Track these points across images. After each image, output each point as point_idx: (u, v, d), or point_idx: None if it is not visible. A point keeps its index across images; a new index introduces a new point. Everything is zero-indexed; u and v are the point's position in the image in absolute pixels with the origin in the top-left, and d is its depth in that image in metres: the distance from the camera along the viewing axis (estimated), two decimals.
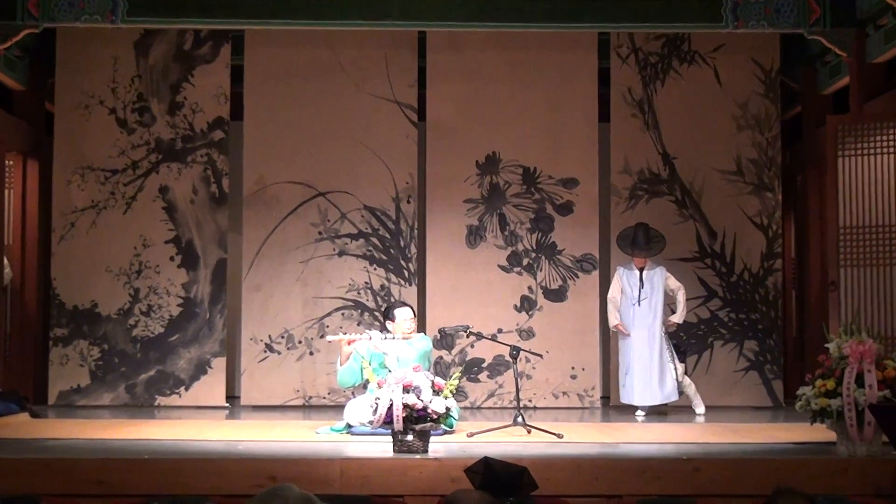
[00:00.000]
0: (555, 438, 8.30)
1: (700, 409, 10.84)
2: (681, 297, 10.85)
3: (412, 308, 9.37)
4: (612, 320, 10.92)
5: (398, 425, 7.35)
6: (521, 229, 11.86)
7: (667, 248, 11.41)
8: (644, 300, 10.77)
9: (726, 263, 11.90)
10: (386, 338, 8.91)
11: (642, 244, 10.84)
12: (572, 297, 11.80)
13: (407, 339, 8.94)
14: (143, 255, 11.75)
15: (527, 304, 11.81)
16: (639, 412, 10.71)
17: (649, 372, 10.66)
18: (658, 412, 10.82)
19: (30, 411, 10.14)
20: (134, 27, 11.29)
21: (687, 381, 10.89)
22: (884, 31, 10.26)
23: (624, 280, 10.87)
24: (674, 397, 10.73)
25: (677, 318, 10.87)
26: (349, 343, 8.94)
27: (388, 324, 9.15)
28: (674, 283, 10.87)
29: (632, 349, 10.75)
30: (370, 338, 8.89)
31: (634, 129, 11.99)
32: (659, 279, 10.82)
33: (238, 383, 11.97)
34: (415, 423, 7.38)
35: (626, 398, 10.82)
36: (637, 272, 10.86)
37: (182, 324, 11.74)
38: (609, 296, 11.02)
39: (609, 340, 11.68)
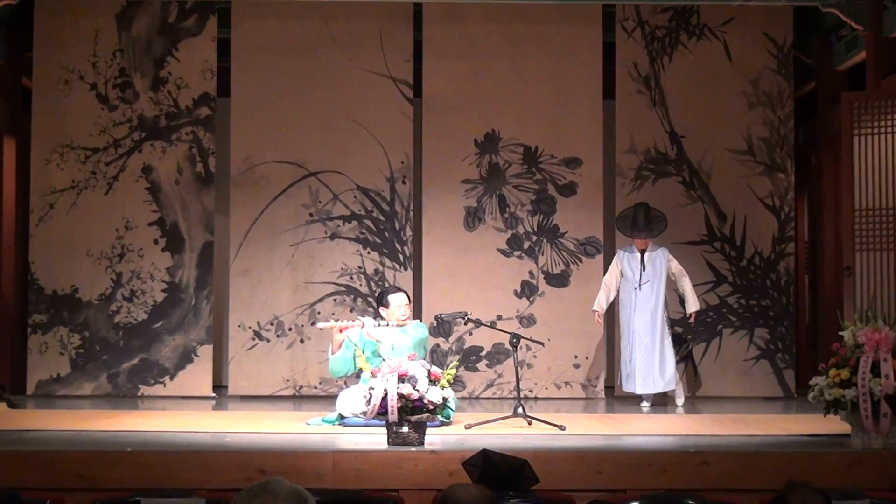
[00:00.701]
0: (557, 430, 8.32)
1: (680, 400, 10.84)
2: (686, 285, 10.84)
3: (407, 294, 9.37)
4: (595, 304, 10.93)
5: (393, 416, 7.36)
6: (521, 211, 11.86)
7: (674, 232, 11.42)
8: (646, 283, 10.77)
9: (736, 247, 11.91)
10: (379, 325, 8.91)
11: (643, 225, 10.84)
12: (575, 282, 11.81)
13: (401, 326, 8.94)
14: (126, 237, 11.74)
15: (528, 290, 11.81)
16: (644, 403, 10.73)
17: (651, 358, 10.67)
18: (663, 403, 10.84)
19: (7, 401, 10.16)
20: None
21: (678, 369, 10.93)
22: None
23: (625, 263, 10.87)
24: (673, 385, 10.76)
25: (693, 306, 10.86)
26: (341, 330, 8.95)
27: (382, 310, 9.15)
28: (676, 266, 10.86)
29: (634, 334, 10.76)
30: (363, 325, 8.90)
31: (640, 106, 11.98)
32: (661, 261, 10.82)
33: (225, 372, 11.98)
34: (410, 414, 7.39)
35: (627, 387, 10.82)
36: (638, 254, 10.86)
37: (167, 310, 11.74)
38: (604, 279, 11.04)
39: (614, 328, 11.69)
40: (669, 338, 10.79)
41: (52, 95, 11.79)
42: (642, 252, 10.85)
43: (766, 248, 11.91)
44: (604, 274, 11.43)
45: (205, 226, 11.82)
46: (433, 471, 6.76)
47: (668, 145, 11.96)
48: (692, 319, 11.00)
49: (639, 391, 10.74)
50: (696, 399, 11.44)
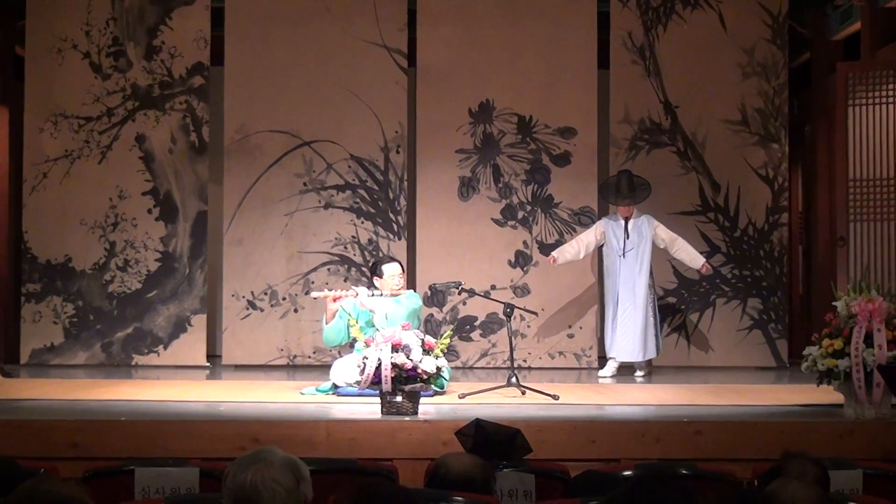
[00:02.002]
0: (550, 400, 8.33)
1: (642, 370, 10.82)
2: (682, 245, 10.77)
3: (401, 263, 9.35)
4: (557, 251, 10.90)
5: (386, 386, 7.35)
6: (515, 181, 11.84)
7: (668, 202, 11.42)
8: (630, 251, 10.73)
9: (730, 217, 11.90)
10: (373, 294, 8.90)
11: (626, 192, 10.80)
12: None
13: (395, 295, 8.93)
14: (120, 207, 11.71)
15: (522, 260, 11.80)
16: (638, 372, 10.74)
17: (634, 326, 10.64)
18: (657, 373, 10.86)
19: (1, 371, 10.15)
20: None
21: None
22: None
23: (609, 231, 10.83)
24: (653, 354, 10.75)
25: (699, 258, 10.75)
26: (335, 300, 8.94)
27: (376, 280, 9.14)
28: (665, 232, 10.80)
29: (618, 302, 10.74)
30: (357, 294, 8.89)
31: (635, 76, 11.94)
32: (646, 229, 10.78)
33: (219, 342, 11.98)
34: (404, 384, 7.39)
35: (612, 355, 10.81)
36: (622, 222, 10.83)
37: (160, 279, 11.72)
38: (581, 235, 11.05)
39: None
40: (655, 306, 10.78)
41: (45, 64, 11.73)
42: (626, 219, 10.82)
43: (759, 219, 11.90)
44: None
45: (198, 195, 11.78)
46: (427, 440, 6.77)
47: (662, 115, 11.93)
48: (705, 270, 10.87)
49: (621, 358, 10.73)
50: (690, 369, 11.45)
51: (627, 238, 10.76)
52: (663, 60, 11.93)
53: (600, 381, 10.53)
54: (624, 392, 9.38)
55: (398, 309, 8.74)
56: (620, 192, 10.82)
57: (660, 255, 11.08)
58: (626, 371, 10.87)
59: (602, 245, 11.01)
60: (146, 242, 11.71)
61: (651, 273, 10.80)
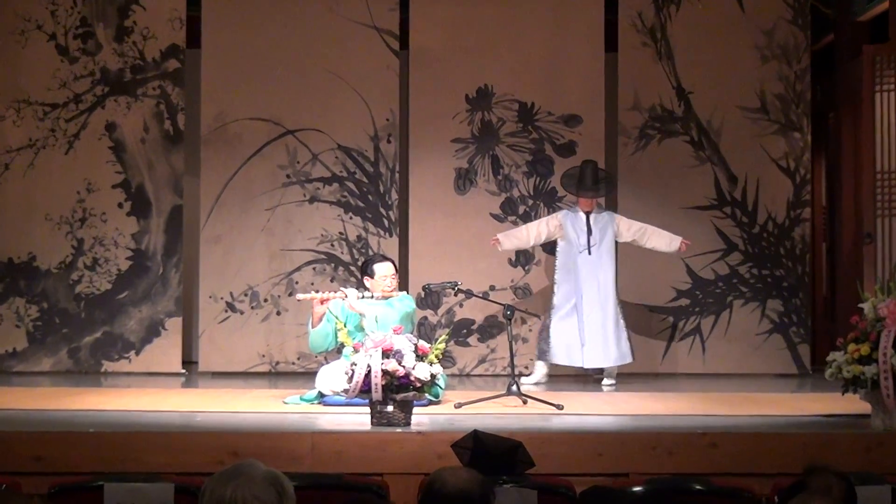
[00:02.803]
0: (554, 409, 8.35)
1: (611, 378, 10.76)
2: (652, 231, 10.68)
3: (394, 262, 9.35)
4: (502, 234, 10.87)
5: (377, 394, 7.36)
6: (516, 173, 11.85)
7: (681, 196, 11.43)
8: (594, 247, 10.69)
9: (748, 212, 11.91)
10: (363, 296, 8.89)
11: (590, 184, 10.75)
12: None
13: (387, 298, 8.92)
14: (88, 200, 11.71)
15: (523, 258, 11.81)
16: (605, 381, 10.67)
17: (604, 329, 10.53)
18: (670, 380, 10.87)
19: None
20: None
21: None
22: None
23: (568, 226, 10.77)
24: (629, 359, 10.68)
25: (674, 240, 10.67)
26: (322, 302, 8.93)
27: (367, 280, 9.12)
28: (630, 223, 10.71)
29: (582, 305, 10.63)
30: (345, 296, 8.88)
31: (645, 59, 11.95)
32: (610, 224, 10.72)
33: (195, 347, 11.98)
34: (395, 392, 7.39)
35: (555, 358, 10.72)
36: (583, 216, 10.80)
37: (132, 279, 11.72)
38: (532, 223, 11.00)
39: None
40: (620, 307, 10.70)
41: (7, 46, 11.73)
42: (588, 213, 10.78)
43: (780, 214, 11.91)
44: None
45: (173, 188, 11.78)
46: (420, 453, 6.77)
47: (674, 102, 11.93)
48: (684, 248, 10.78)
49: (592, 365, 10.68)
50: (704, 376, 11.45)
51: (591, 234, 10.71)
52: (676, 42, 11.94)
53: (530, 386, 10.20)
54: (633, 401, 9.38)
55: (390, 312, 8.73)
56: (584, 183, 10.74)
57: (675, 252, 11.07)
58: (633, 380, 10.86)
59: (556, 240, 10.91)
60: (116, 239, 11.71)
61: (616, 272, 10.77)
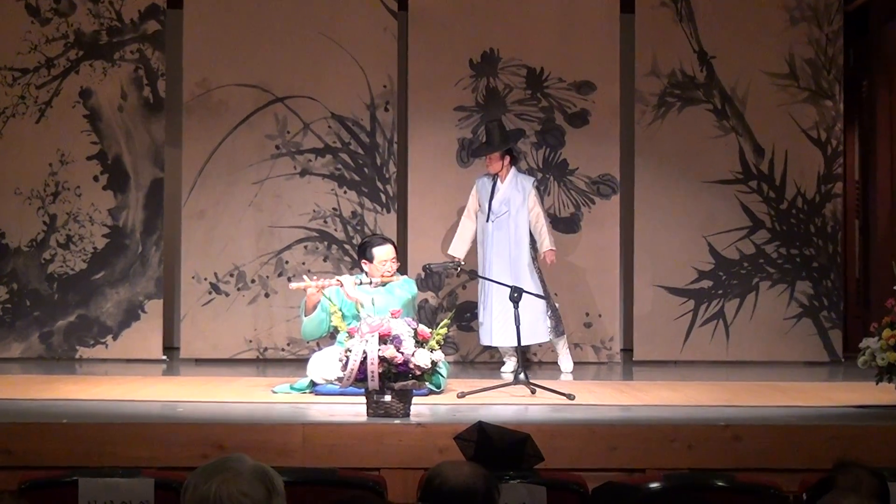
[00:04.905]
0: (565, 400, 8.35)
1: (566, 365, 10.75)
2: (543, 227, 10.61)
3: (394, 244, 9.29)
4: (451, 249, 10.83)
5: (373, 383, 7.37)
6: (524, 144, 11.84)
7: (704, 169, 11.46)
8: (503, 215, 10.60)
9: (775, 187, 11.92)
10: (361, 283, 8.84)
11: (499, 142, 10.63)
12: (587, 227, 11.81)
13: (387, 283, 8.89)
14: (61, 173, 11.71)
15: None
16: (505, 367, 10.65)
17: (503, 306, 10.17)
18: (690, 367, 10.88)
19: None
20: None
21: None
22: None
23: (481, 191, 10.74)
24: (546, 336, 10.62)
25: (546, 244, 10.59)
26: (319, 290, 8.85)
27: (364, 264, 9.06)
28: (533, 201, 10.64)
29: (490, 277, 10.43)
30: (341, 284, 8.84)
31: (665, 21, 11.94)
32: (523, 191, 10.63)
33: (177, 332, 12.02)
34: (393, 381, 7.40)
35: (483, 339, 10.77)
36: (488, 181, 10.72)
37: (109, 258, 11.73)
38: (463, 216, 10.99)
39: (633, 280, 11.71)
40: (538, 281, 10.62)
41: None
42: (495, 176, 10.74)
43: (810, 189, 11.92)
44: (621, 218, 11.43)
45: (153, 160, 11.78)
46: (420, 447, 6.79)
47: (696, 67, 11.93)
48: (550, 261, 10.69)
49: (493, 342, 10.66)
50: (727, 364, 11.48)
51: (493, 198, 10.66)
52: (698, 3, 11.93)
53: (509, 374, 10.17)
54: (650, 391, 9.39)
55: (390, 300, 8.62)
56: (491, 142, 10.68)
57: (696, 229, 11.08)
58: (645, 366, 10.87)
59: None
60: (92, 215, 11.72)
61: (532, 243, 10.69)
